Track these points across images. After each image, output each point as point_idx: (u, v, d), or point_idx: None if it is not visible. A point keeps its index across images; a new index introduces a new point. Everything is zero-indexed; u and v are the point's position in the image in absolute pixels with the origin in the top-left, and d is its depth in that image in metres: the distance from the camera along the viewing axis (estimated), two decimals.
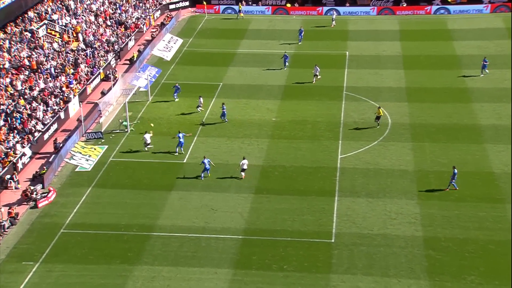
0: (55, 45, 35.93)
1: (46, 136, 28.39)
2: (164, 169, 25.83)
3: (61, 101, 31.06)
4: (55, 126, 29.33)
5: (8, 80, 30.80)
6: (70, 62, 34.59)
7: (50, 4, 39.69)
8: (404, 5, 45.63)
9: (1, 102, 28.88)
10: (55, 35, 36.88)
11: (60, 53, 35.22)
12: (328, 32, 42.36)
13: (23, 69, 32.21)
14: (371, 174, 24.96)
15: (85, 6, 41.56)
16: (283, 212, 22.72)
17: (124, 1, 44.89)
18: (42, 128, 28.51)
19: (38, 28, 36.03)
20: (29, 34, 35.38)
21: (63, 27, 37.72)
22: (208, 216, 22.57)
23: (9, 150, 26.21)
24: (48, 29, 36.84)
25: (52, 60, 34.11)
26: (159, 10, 46.43)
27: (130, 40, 39.79)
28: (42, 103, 29.96)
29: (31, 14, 37.39)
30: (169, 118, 30.54)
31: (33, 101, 29.83)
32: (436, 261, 19.92)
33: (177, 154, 26.86)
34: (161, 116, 30.78)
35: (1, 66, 31.54)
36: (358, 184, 24.31)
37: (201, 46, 40.19)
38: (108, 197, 24.01)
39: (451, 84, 33.48)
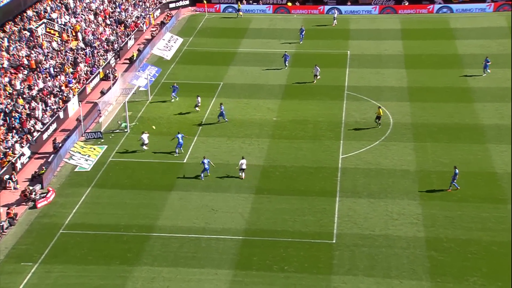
0: (54, 44, 35.78)
1: (45, 136, 28.29)
2: (164, 169, 25.74)
3: (60, 100, 30.91)
4: (54, 125, 29.22)
5: (6, 79, 30.64)
6: (70, 61, 34.43)
7: (49, 2, 39.51)
8: (406, 4, 45.41)
9: (0, 102, 28.71)
10: (54, 34, 36.74)
11: (59, 52, 35.06)
12: (329, 31, 42.23)
13: (22, 68, 32.05)
14: (373, 174, 24.87)
15: (84, 4, 41.41)
16: (284, 212, 22.63)
17: (123, 0, 44.69)
18: (41, 128, 28.40)
19: (37, 27, 35.89)
20: (28, 33, 35.21)
21: (62, 26, 37.57)
22: (208, 216, 22.49)
23: (8, 150, 26.10)
24: (47, 28, 36.71)
25: (51, 59, 33.95)
26: (159, 9, 46.29)
27: (129, 39, 39.67)
28: (41, 103, 29.79)
29: (30, 12, 37.22)
30: (169, 118, 30.43)
31: (32, 101, 29.67)
32: (438, 262, 19.83)
33: (177, 154, 26.75)
34: (161, 116, 30.66)
35: (0, 66, 31.37)
36: (359, 185, 24.21)
37: (202, 45, 40.08)
38: (108, 197, 23.93)
39: (453, 84, 33.38)
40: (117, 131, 29.12)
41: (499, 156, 25.97)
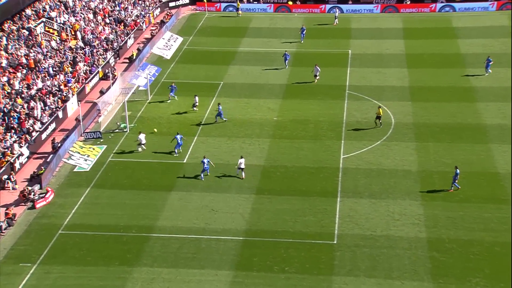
0: (53, 43, 35.60)
1: (44, 136, 28.17)
2: (163, 169, 25.64)
3: (59, 100, 30.74)
4: (53, 125, 29.11)
5: (5, 78, 30.47)
6: (69, 61, 34.25)
7: (48, 1, 39.34)
8: (408, 3, 45.20)
9: None
10: (53, 33, 36.57)
11: (58, 52, 34.89)
12: (330, 30, 42.10)
13: (21, 67, 31.89)
14: (374, 175, 24.76)
15: (83, 3, 41.25)
16: (285, 213, 22.53)
17: None
18: (40, 128, 28.25)
19: (36, 26, 35.73)
20: (27, 32, 35.04)
21: (61, 25, 37.41)
22: (208, 217, 22.39)
23: (6, 150, 25.98)
24: (46, 27, 36.56)
25: (50, 58, 33.78)
26: (159, 8, 46.15)
27: (129, 38, 39.54)
28: (40, 102, 29.62)
29: (28, 11, 37.06)
30: (169, 118, 30.32)
31: (31, 100, 29.50)
32: (440, 263, 19.73)
33: (176, 154, 26.58)
34: (161, 116, 30.54)
35: None
36: (360, 185, 24.10)
37: (202, 44, 39.95)
38: (107, 197, 23.83)
39: (456, 83, 33.25)
40: (117, 130, 28.97)
41: (502, 156, 25.84)
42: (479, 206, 22.55)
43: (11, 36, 34.31)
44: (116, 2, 43.72)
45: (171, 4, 47.11)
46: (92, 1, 42.15)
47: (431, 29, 41.33)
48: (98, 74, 34.62)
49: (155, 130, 28.64)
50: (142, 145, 26.84)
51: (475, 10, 44.51)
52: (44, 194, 23.79)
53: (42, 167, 25.70)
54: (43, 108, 29.60)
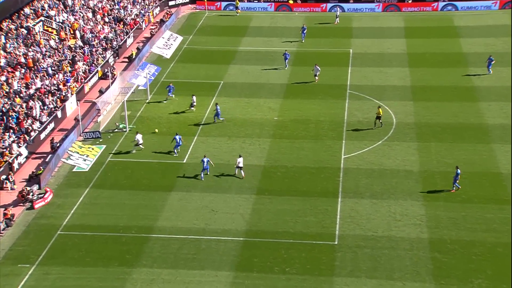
0: (52, 42, 35.43)
1: (42, 136, 28.05)
2: (163, 169, 25.53)
3: (58, 99, 30.58)
4: (52, 125, 28.99)
5: (3, 78, 30.30)
6: (68, 60, 34.08)
7: (47, 0, 39.12)
8: (410, 1, 44.99)
9: None
10: (52, 32, 36.40)
11: (57, 51, 34.72)
12: (331, 29, 41.97)
13: (19, 67, 31.72)
14: (375, 175, 24.65)
15: (82, 2, 41.09)
16: (285, 213, 22.44)
17: None
18: (39, 127, 28.11)
19: (34, 25, 35.56)
20: (25, 31, 34.87)
21: (60, 24, 37.23)
22: (208, 217, 22.30)
23: (4, 150, 25.86)
24: (45, 26, 36.40)
25: (49, 57, 33.61)
26: (159, 7, 46.00)
27: (128, 37, 39.39)
28: (38, 102, 29.46)
29: (27, 10, 36.90)
30: (168, 117, 30.16)
31: (30, 100, 29.33)
32: (442, 264, 19.65)
33: (176, 154, 26.45)
34: (161, 116, 30.41)
35: None
36: (362, 185, 24.00)
37: (202, 43, 39.81)
38: (106, 198, 23.74)
39: (458, 83, 33.10)
40: (116, 130, 28.83)
41: (504, 156, 25.72)
42: (481, 206, 22.45)
43: (10, 35, 34.14)
44: (116, 1, 43.54)
45: (171, 3, 46.96)
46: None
47: (433, 28, 41.19)
48: (97, 74, 34.47)
49: (156, 130, 28.47)
50: (140, 145, 26.68)
51: (478, 9, 44.31)
52: (42, 195, 23.71)
53: (41, 167, 25.61)
54: (42, 107, 29.44)
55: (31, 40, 34.40)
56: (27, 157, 26.53)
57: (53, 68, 32.85)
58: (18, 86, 30.28)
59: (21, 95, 29.69)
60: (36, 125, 28.24)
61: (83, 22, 38.79)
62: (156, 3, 46.07)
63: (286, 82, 33.70)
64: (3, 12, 34.62)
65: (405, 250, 20.23)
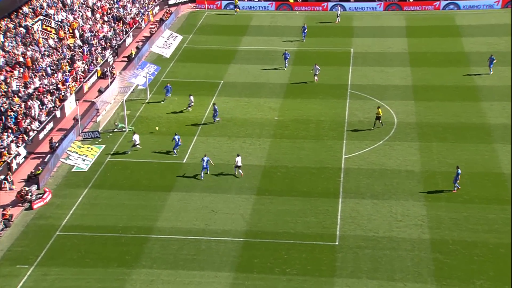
0: (51, 42, 35.28)
1: (41, 135, 27.95)
2: (163, 169, 25.43)
3: (57, 99, 30.43)
4: (50, 125, 28.87)
5: (2, 77, 30.14)
6: (67, 59, 33.93)
7: None
8: (411, 0, 44.79)
9: None
10: (50, 31, 36.25)
11: (56, 50, 34.56)
12: (332, 28, 41.83)
13: (18, 66, 31.56)
14: (376, 175, 24.56)
15: (81, 1, 40.95)
16: (286, 213, 22.36)
17: None
18: (37, 127, 27.98)
19: (33, 24, 35.41)
20: (24, 30, 34.71)
21: (59, 23, 37.08)
22: (208, 218, 22.21)
23: (3, 149, 25.76)
24: (44, 25, 36.25)
25: (47, 57, 33.46)
26: (158, 6, 45.84)
27: (128, 36, 39.25)
28: (37, 101, 29.30)
29: (26, 9, 36.76)
30: (168, 117, 30.03)
31: (28, 99, 29.18)
32: (444, 265, 19.58)
33: (175, 154, 26.34)
34: (160, 115, 30.30)
35: None
36: (363, 185, 23.90)
37: (201, 42, 39.69)
38: (106, 198, 23.65)
39: (459, 82, 32.98)
40: (116, 130, 28.70)
41: (506, 156, 25.61)
42: (483, 207, 22.36)
43: (8, 34, 33.97)
44: (115, 0, 43.35)
45: (171, 1, 46.80)
46: None
47: (434, 27, 41.02)
48: (96, 73, 34.33)
49: (157, 128, 28.33)
50: (137, 145, 26.54)
51: (480, 7, 44.09)
52: (41, 195, 23.63)
53: (40, 167, 25.52)
54: (41, 107, 29.29)
55: (29, 39, 34.26)
56: (25, 157, 26.44)
57: (52, 68, 32.70)
58: (16, 86, 30.13)
59: (20, 94, 29.55)
60: (35, 125, 28.11)
61: (82, 21, 38.63)
62: (155, 2, 45.90)
63: (287, 82, 33.58)
64: (2, 11, 34.55)
65: (406, 251, 20.16)
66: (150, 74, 32.78)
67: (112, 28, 39.57)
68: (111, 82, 32.21)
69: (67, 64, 33.61)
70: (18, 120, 27.61)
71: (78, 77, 33.07)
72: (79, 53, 35.18)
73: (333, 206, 22.60)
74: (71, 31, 37.19)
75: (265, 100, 31.41)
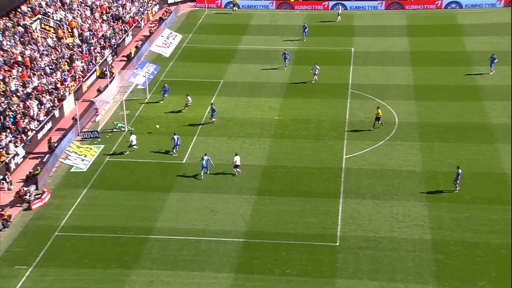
0: (50, 41, 35.13)
1: (40, 135, 27.86)
2: (162, 169, 25.33)
3: (55, 98, 30.29)
4: (49, 124, 28.77)
5: (0, 77, 30.00)
6: (65, 59, 33.78)
7: None
8: None
9: None
10: (49, 30, 36.10)
11: (55, 49, 34.42)
12: (333, 27, 41.71)
13: (16, 65, 31.42)
14: (377, 175, 24.48)
15: (80, 0, 40.67)
16: (286, 214, 22.28)
17: None
18: (36, 127, 27.86)
19: (31, 23, 35.28)
20: (22, 29, 34.57)
21: (57, 22, 36.93)
22: (208, 218, 22.14)
23: (1, 149, 25.67)
24: (42, 24, 36.12)
25: (46, 56, 33.31)
26: (158, 5, 45.72)
27: (127, 35, 39.13)
28: (35, 101, 29.16)
29: (24, 8, 36.62)
30: (167, 117, 29.90)
31: (27, 99, 29.04)
32: (445, 266, 19.52)
33: (175, 154, 26.22)
34: (160, 115, 30.19)
35: None
36: (364, 185, 23.81)
37: (201, 42, 39.56)
38: (105, 198, 23.58)
39: (461, 82, 32.85)
40: (115, 130, 28.59)
41: (508, 156, 25.51)
42: (485, 207, 22.28)
43: (7, 33, 33.82)
44: None
45: (170, 0, 46.66)
46: None
47: (436, 26, 40.88)
48: (95, 72, 34.21)
49: (157, 126, 28.20)
50: (133, 146, 26.43)
51: (482, 6, 43.91)
52: (40, 195, 23.55)
53: (38, 167, 25.43)
54: (39, 107, 29.15)
55: (28, 38, 34.13)
56: (24, 157, 26.34)
57: (50, 67, 32.57)
58: (15, 85, 29.98)
59: (18, 94, 29.42)
60: (34, 124, 27.99)
61: (81, 20, 38.49)
62: (155, 1, 45.77)
63: (287, 81, 33.47)
64: (0, 10, 34.36)
65: (407, 252, 20.09)
66: (150, 74, 32.66)
67: (111, 27, 39.43)
68: (110, 82, 32.07)
69: (66, 63, 33.48)
70: (17, 120, 27.50)
71: (77, 77, 32.94)
72: (78, 52, 35.05)
73: (333, 206, 22.52)
74: (70, 30, 37.06)
75: (265, 99, 31.31)
